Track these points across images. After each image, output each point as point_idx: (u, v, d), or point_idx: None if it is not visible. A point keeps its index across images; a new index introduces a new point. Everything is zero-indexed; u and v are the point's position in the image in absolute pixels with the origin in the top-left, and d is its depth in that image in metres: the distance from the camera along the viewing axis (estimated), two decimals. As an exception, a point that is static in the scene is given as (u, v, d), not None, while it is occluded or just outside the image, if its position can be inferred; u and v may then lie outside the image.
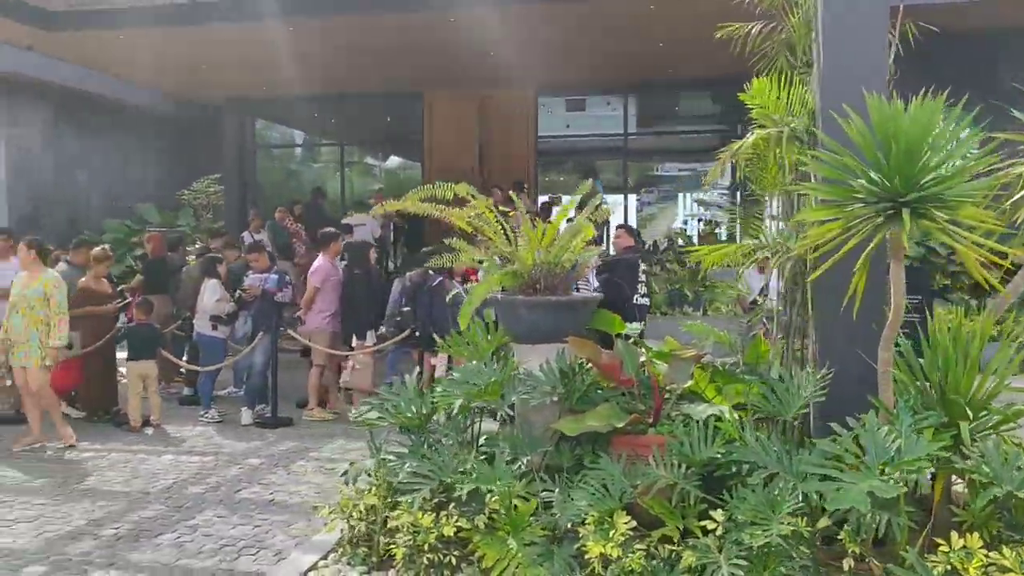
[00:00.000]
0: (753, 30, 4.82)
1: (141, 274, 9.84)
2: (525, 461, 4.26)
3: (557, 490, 4.01)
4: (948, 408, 3.90)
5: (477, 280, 9.31)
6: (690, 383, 4.56)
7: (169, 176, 17.54)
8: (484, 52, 11.04)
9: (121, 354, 8.31)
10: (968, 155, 3.60)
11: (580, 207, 5.30)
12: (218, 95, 14.71)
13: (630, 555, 3.52)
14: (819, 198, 4.02)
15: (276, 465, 6.51)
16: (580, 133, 16.37)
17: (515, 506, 3.93)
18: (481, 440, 4.65)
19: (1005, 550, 3.29)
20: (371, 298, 8.43)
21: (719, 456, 3.83)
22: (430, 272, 8.30)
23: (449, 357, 8.28)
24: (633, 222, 16.18)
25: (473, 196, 4.97)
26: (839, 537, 3.50)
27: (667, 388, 4.49)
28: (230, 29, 9.97)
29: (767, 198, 5.11)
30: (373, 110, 15.92)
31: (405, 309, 8.23)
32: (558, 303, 4.67)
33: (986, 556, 3.27)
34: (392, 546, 4.06)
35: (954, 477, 3.97)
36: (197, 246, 11.25)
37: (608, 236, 11.99)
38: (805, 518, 3.49)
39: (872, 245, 3.54)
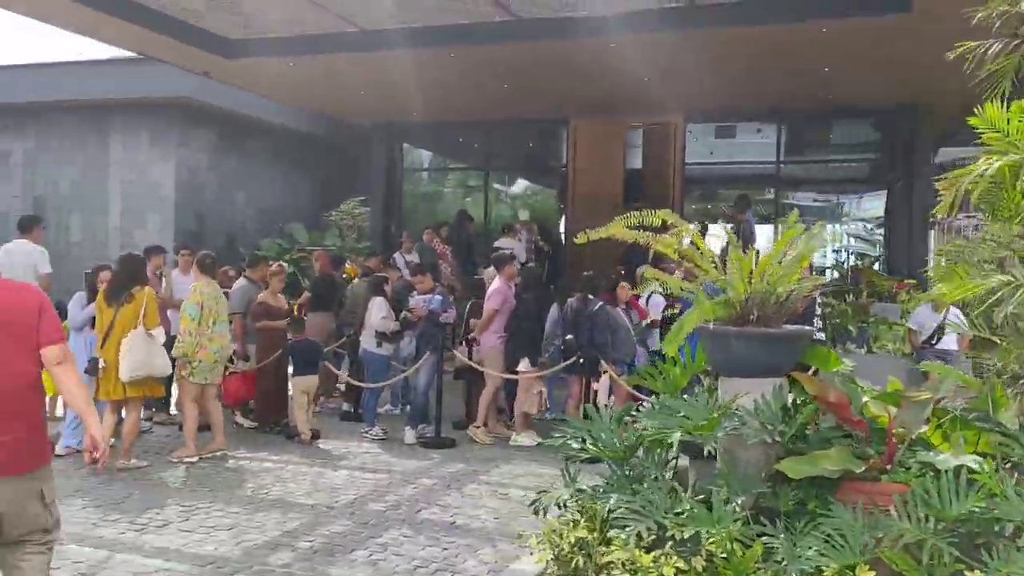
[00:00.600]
0: (991, 49, 4.48)
1: (308, 291, 10.13)
2: (739, 502, 4.05)
3: (781, 536, 3.78)
4: None
5: (637, 306, 9.18)
6: (924, 429, 4.24)
7: (316, 197, 18.29)
8: (638, 78, 10.91)
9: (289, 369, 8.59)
10: None
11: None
12: (366, 120, 15.17)
13: (879, 613, 3.25)
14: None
15: (449, 487, 6.50)
16: (729, 160, 15.98)
17: (734, 551, 3.73)
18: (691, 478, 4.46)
19: None
20: (540, 323, 8.40)
21: (977, 511, 3.50)
22: (589, 297, 8.26)
23: (611, 383, 8.18)
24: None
25: (675, 224, 4.84)
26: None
27: (896, 433, 4.18)
28: (396, 56, 10.21)
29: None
30: (518, 136, 16.05)
31: (568, 337, 8.13)
32: (775, 335, 4.45)
33: None
34: (605, 582, 3.91)
35: None
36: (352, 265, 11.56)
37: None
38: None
39: None
